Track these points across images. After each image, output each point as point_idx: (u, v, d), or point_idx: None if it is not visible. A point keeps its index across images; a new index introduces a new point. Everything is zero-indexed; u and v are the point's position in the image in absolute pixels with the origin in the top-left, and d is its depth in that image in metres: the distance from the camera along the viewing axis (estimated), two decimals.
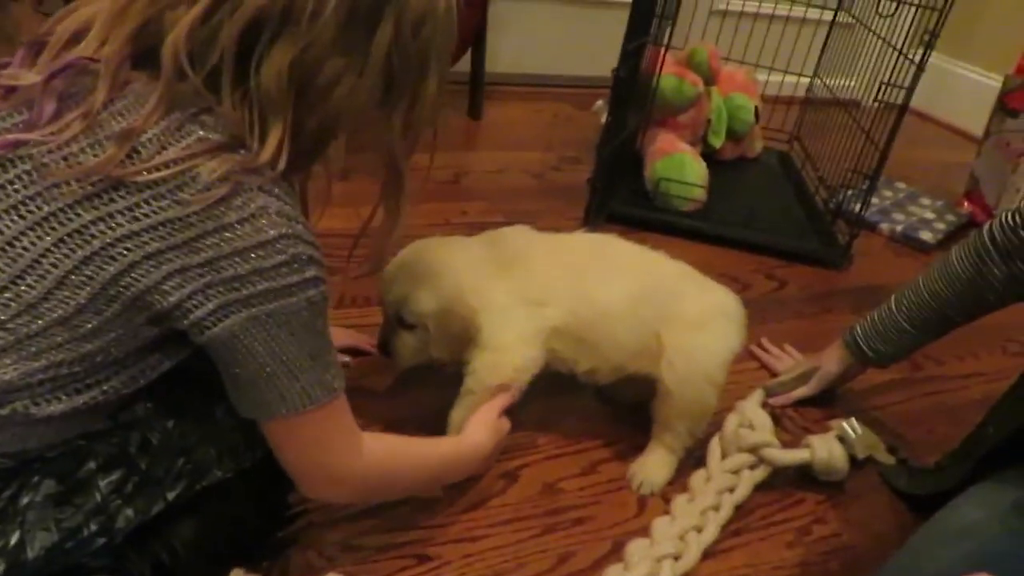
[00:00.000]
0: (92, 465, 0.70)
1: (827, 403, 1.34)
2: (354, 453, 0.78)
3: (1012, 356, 1.62)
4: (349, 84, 0.67)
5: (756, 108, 2.23)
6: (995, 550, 0.84)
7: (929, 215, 2.14)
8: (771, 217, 1.89)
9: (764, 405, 1.24)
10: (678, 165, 1.87)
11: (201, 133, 0.64)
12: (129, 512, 0.71)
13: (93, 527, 0.69)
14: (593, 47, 2.46)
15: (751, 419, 1.16)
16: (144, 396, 0.74)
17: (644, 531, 1.03)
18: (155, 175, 0.62)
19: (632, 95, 1.76)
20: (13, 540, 0.65)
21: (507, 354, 1.03)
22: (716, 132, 2.16)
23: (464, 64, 2.19)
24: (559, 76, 2.62)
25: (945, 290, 1.18)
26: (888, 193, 2.22)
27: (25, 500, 0.67)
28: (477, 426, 1.00)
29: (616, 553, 1.00)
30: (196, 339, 0.67)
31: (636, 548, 0.99)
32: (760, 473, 1.12)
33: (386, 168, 0.77)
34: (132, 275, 0.63)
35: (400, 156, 0.76)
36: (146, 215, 0.62)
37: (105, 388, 0.68)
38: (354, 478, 0.80)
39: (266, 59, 0.64)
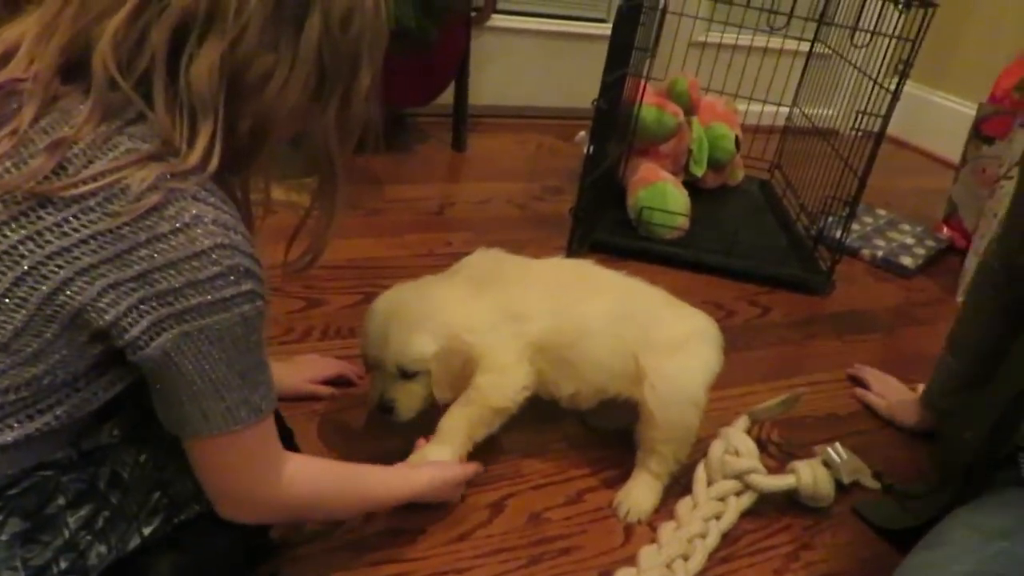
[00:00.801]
0: (60, 501, 0.69)
1: (811, 428, 1.35)
2: (274, 479, 0.76)
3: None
4: (280, 80, 0.67)
5: (737, 137, 2.25)
6: (986, 572, 0.84)
7: (909, 240, 2.16)
8: (753, 244, 1.91)
9: (749, 431, 1.24)
10: (660, 194, 1.89)
11: (129, 145, 0.63)
12: (102, 548, 0.69)
13: (63, 565, 0.68)
14: (575, 79, 2.49)
15: (736, 445, 1.16)
16: (109, 421, 0.73)
17: (631, 560, 1.02)
18: (83, 188, 0.61)
19: (613, 126, 1.78)
20: None
21: (508, 375, 1.04)
22: (697, 161, 2.18)
23: (447, 96, 2.21)
24: (542, 108, 2.65)
25: (988, 329, 1.23)
26: (868, 219, 2.24)
27: None
28: (430, 474, 0.97)
29: None
30: (131, 358, 0.66)
31: None
32: (746, 500, 1.12)
33: (320, 165, 0.77)
34: (66, 293, 0.62)
35: (335, 152, 0.76)
36: (75, 229, 0.62)
37: (58, 413, 0.67)
38: (272, 504, 0.78)
39: (196, 58, 0.63)
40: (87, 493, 0.70)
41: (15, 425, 0.65)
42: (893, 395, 1.44)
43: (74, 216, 0.62)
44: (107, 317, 0.63)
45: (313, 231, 0.80)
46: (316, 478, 0.83)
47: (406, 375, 1.04)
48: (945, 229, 2.27)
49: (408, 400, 1.05)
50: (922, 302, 1.93)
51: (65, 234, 0.62)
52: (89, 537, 0.69)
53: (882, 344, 1.72)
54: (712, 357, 1.11)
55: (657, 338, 1.09)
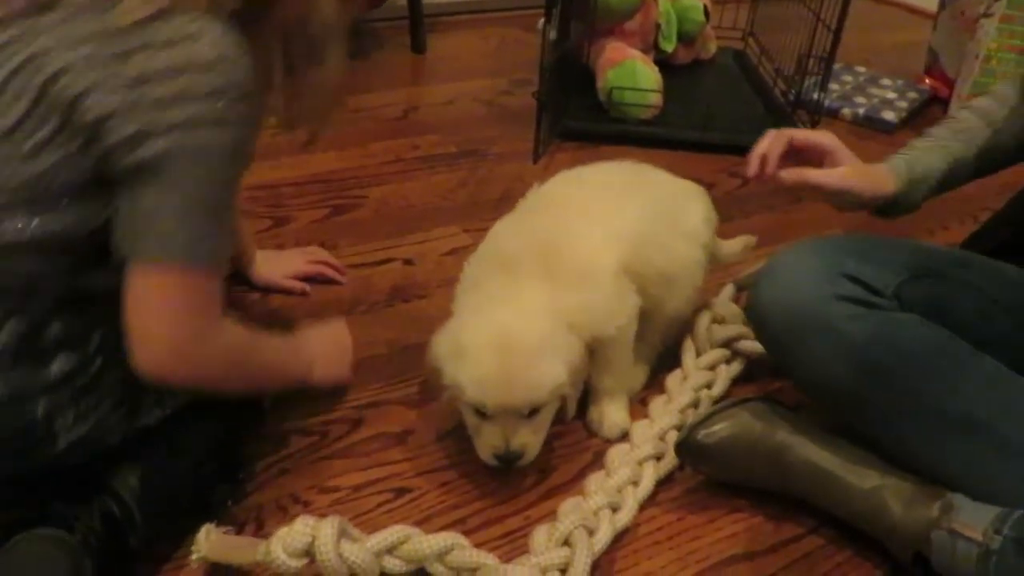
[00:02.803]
0: (55, 331, 0.70)
1: None
2: (207, 336, 0.71)
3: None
4: None
5: (705, 7, 2.16)
6: None
7: (891, 95, 2.10)
8: (731, 116, 1.84)
9: (735, 300, 1.21)
10: (629, 72, 1.81)
11: None
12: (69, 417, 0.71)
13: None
14: None
15: (723, 314, 1.14)
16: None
17: (624, 437, 1.01)
18: None
19: (572, 4, 1.70)
20: None
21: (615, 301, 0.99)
22: (667, 37, 2.09)
23: None
24: (502, 0, 2.54)
25: (997, 110, 1.07)
26: (848, 78, 2.17)
27: None
28: (320, 347, 0.96)
29: (598, 462, 0.98)
30: (112, 166, 0.65)
31: (617, 453, 0.97)
32: (736, 367, 1.10)
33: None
34: (61, 81, 0.63)
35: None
36: (75, 27, 0.63)
37: (63, 219, 0.67)
38: (196, 361, 0.72)
39: None
40: (78, 341, 0.71)
41: (20, 219, 0.66)
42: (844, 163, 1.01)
43: (73, 16, 0.64)
44: (97, 111, 0.63)
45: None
46: (240, 344, 0.78)
47: (534, 411, 0.91)
48: (927, 80, 2.20)
49: (537, 438, 0.92)
50: None
51: (65, 33, 0.64)
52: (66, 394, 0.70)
53: None
54: (711, 243, 1.12)
55: (685, 229, 1.09)
